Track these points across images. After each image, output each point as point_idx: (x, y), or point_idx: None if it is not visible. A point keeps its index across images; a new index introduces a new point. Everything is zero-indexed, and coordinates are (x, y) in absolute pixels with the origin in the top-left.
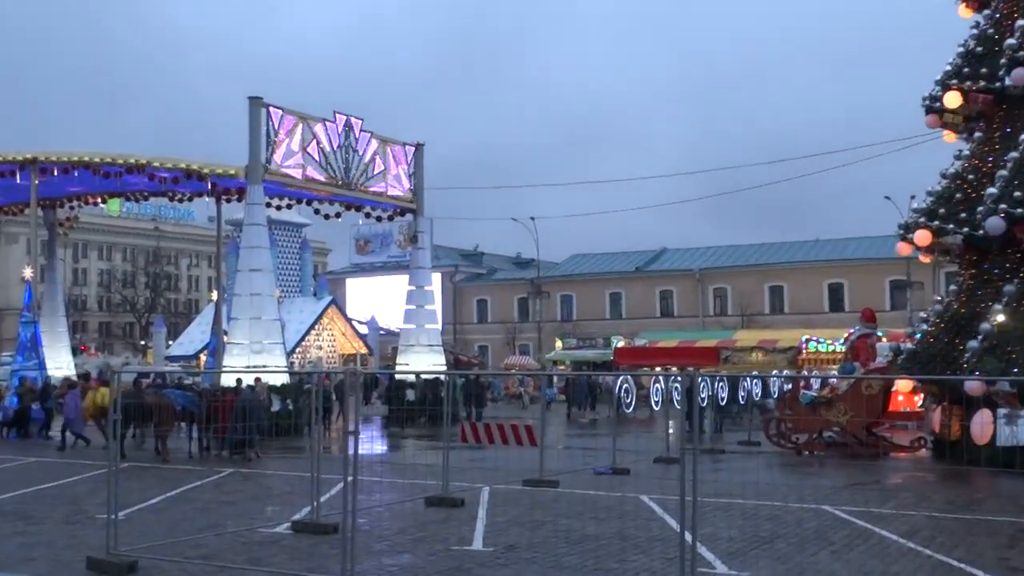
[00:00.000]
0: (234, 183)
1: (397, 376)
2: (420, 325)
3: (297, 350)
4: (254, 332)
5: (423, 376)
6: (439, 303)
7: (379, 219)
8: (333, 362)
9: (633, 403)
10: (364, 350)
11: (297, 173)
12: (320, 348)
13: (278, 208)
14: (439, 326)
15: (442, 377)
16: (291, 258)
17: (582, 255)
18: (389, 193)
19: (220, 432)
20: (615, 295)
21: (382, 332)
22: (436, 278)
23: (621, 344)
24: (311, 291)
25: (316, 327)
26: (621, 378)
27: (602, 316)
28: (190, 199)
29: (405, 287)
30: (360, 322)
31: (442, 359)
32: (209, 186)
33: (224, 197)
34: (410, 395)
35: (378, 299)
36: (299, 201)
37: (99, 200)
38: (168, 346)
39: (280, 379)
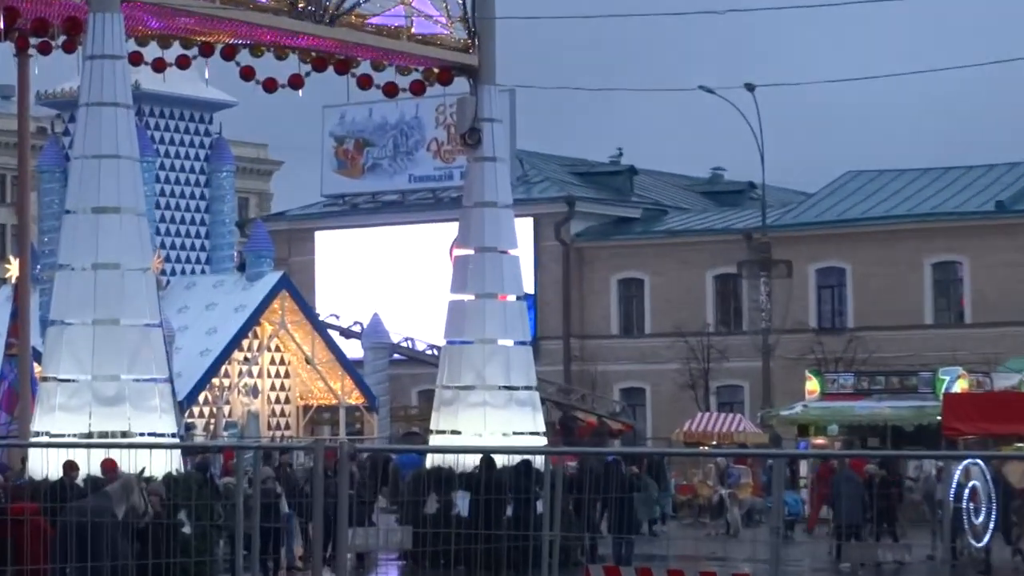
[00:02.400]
0: (58, 10)
1: (432, 461)
2: (486, 339)
3: (203, 395)
4: (105, 353)
5: (494, 461)
6: (531, 286)
7: (390, 93)
8: (287, 425)
9: (992, 528)
10: (355, 396)
11: None
12: (255, 391)
13: (159, 68)
14: (528, 339)
15: (538, 463)
16: (189, 184)
17: (864, 174)
18: (415, 30)
19: None
20: (946, 269)
21: (398, 356)
22: (525, 230)
23: (962, 386)
24: (232, 258)
25: (247, 342)
26: (960, 469)
27: (914, 320)
28: None
29: (448, 249)
30: (346, 330)
31: (539, 419)
32: (2, 20)
33: (34, 43)
34: (461, 504)
35: (387, 277)
36: (206, 51)
37: None
38: None
39: (164, 462)
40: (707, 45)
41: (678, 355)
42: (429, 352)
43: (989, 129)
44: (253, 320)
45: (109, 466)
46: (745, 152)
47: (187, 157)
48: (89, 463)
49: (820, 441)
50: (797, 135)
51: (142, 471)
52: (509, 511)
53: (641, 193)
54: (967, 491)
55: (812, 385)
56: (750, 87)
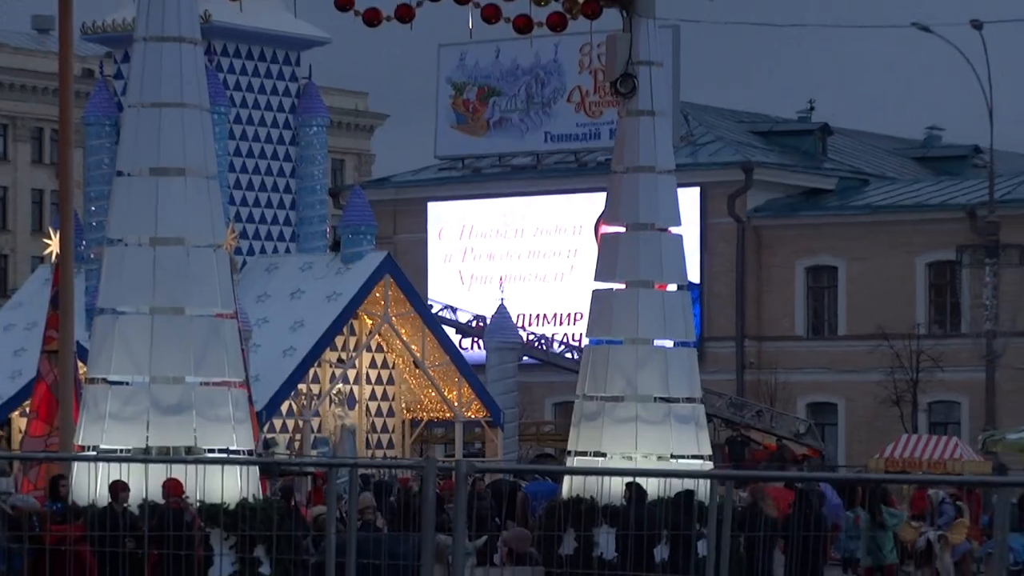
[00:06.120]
0: None
1: (571, 489)
2: (639, 339)
3: (286, 405)
4: (166, 350)
5: (645, 491)
6: (697, 274)
7: (522, 28)
8: (390, 442)
9: None
10: (475, 409)
11: None
12: (351, 400)
13: None
14: (692, 340)
15: (701, 491)
16: (271, 141)
17: None
18: None
19: None
20: None
21: (528, 360)
22: (690, 203)
23: None
24: (324, 235)
25: (341, 339)
26: None
27: None
28: None
29: (594, 226)
30: (465, 326)
31: (703, 439)
32: None
33: None
34: (604, 543)
35: (517, 261)
36: None
37: None
38: None
39: (237, 485)
40: None
41: (880, 363)
42: (568, 355)
43: None
44: (349, 312)
45: (174, 490)
46: (970, 108)
47: (269, 107)
48: (146, 484)
49: None
50: None
51: (175, 489)
52: (664, 552)
53: (836, 158)
54: None
55: None
56: (977, 24)
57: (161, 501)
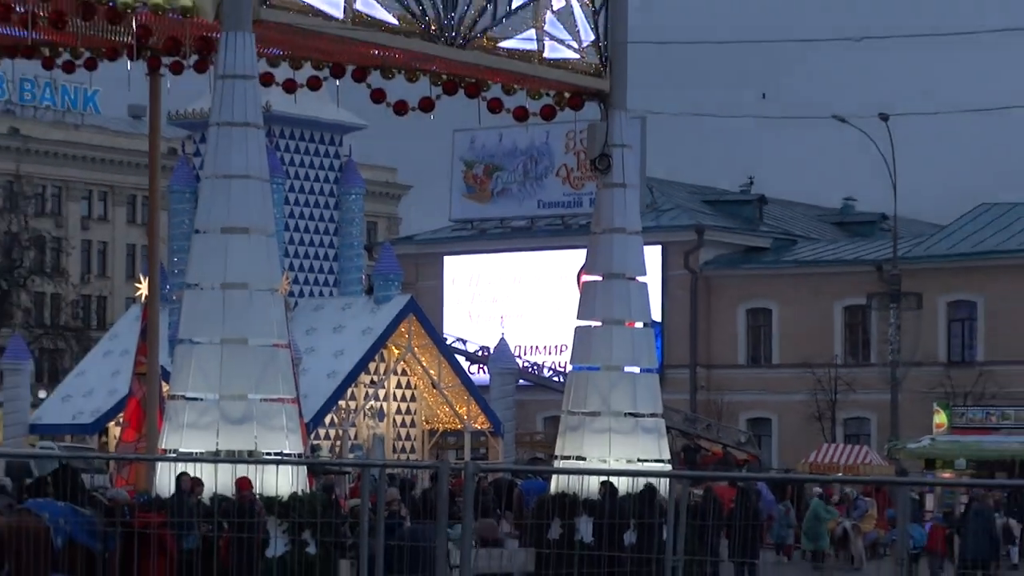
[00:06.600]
0: (190, 29)
1: (557, 487)
2: (612, 366)
3: (329, 417)
4: (232, 372)
5: (619, 485)
6: (659, 313)
7: (520, 117)
8: (412, 448)
9: None
10: (480, 422)
11: (333, 5)
12: (381, 414)
13: (290, 89)
14: (655, 367)
15: (662, 488)
16: (318, 206)
17: (998, 207)
18: (546, 55)
19: None
20: None
21: (523, 382)
22: (653, 258)
23: None
24: (360, 281)
25: (373, 365)
26: None
27: None
28: (90, 65)
29: (576, 276)
30: (473, 355)
31: (664, 447)
32: (133, 36)
33: (166, 62)
34: (584, 529)
35: (515, 303)
36: (337, 72)
37: None
38: (37, 401)
39: (289, 481)
40: (841, 74)
41: (805, 386)
42: (555, 378)
43: None
44: (380, 343)
45: (244, 485)
46: (878, 183)
47: (316, 179)
48: (216, 481)
49: (947, 475)
50: (931, 166)
51: (245, 486)
52: (632, 537)
53: (771, 223)
54: None
55: (940, 419)
56: (884, 116)
57: (228, 494)
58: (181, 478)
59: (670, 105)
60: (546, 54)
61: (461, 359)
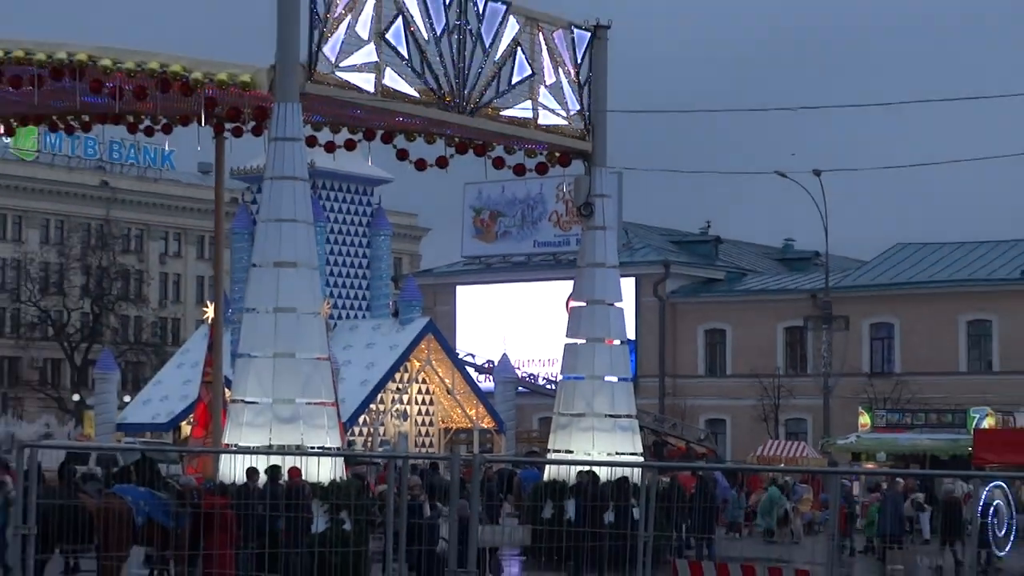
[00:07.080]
0: (249, 101)
1: (549, 475)
2: (595, 376)
3: (362, 418)
4: (283, 381)
5: (600, 473)
6: (633, 333)
7: (519, 172)
8: (431, 443)
9: (1013, 539)
10: (487, 421)
11: (366, 80)
12: (404, 415)
13: (330, 149)
14: (630, 377)
15: (635, 476)
16: (353, 244)
17: (911, 246)
18: (540, 121)
19: (216, 567)
20: (978, 326)
21: (522, 389)
22: (628, 287)
23: (989, 423)
24: (387, 306)
25: (399, 375)
26: (987, 491)
27: (950, 367)
28: (167, 130)
29: (565, 302)
30: (480, 367)
31: (636, 442)
32: (202, 106)
33: (229, 127)
34: (571, 510)
35: (515, 324)
36: (369, 136)
37: None
38: (122, 404)
39: (329, 470)
40: (783, 136)
41: (753, 392)
42: (548, 386)
43: (1017, 207)
44: (404, 357)
45: (294, 474)
46: (812, 226)
47: (352, 223)
48: (266, 468)
49: (870, 466)
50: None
51: (295, 474)
52: (611, 517)
53: (725, 259)
54: (992, 509)
55: (864, 420)
56: (817, 172)
57: (280, 482)
58: (250, 471)
59: (643, 162)
60: (540, 121)
61: (471, 370)
